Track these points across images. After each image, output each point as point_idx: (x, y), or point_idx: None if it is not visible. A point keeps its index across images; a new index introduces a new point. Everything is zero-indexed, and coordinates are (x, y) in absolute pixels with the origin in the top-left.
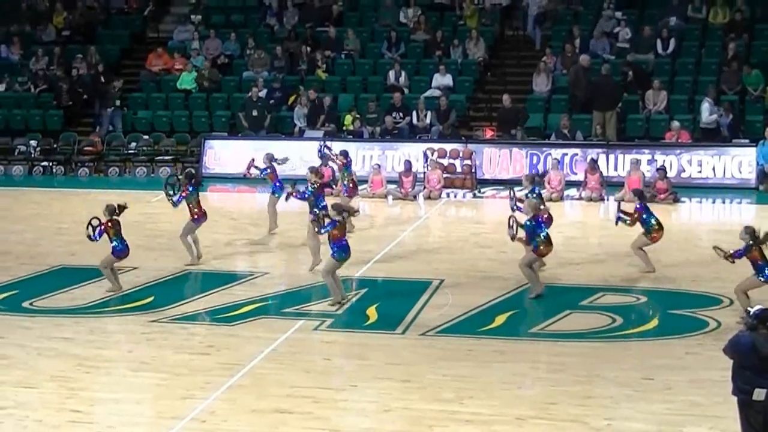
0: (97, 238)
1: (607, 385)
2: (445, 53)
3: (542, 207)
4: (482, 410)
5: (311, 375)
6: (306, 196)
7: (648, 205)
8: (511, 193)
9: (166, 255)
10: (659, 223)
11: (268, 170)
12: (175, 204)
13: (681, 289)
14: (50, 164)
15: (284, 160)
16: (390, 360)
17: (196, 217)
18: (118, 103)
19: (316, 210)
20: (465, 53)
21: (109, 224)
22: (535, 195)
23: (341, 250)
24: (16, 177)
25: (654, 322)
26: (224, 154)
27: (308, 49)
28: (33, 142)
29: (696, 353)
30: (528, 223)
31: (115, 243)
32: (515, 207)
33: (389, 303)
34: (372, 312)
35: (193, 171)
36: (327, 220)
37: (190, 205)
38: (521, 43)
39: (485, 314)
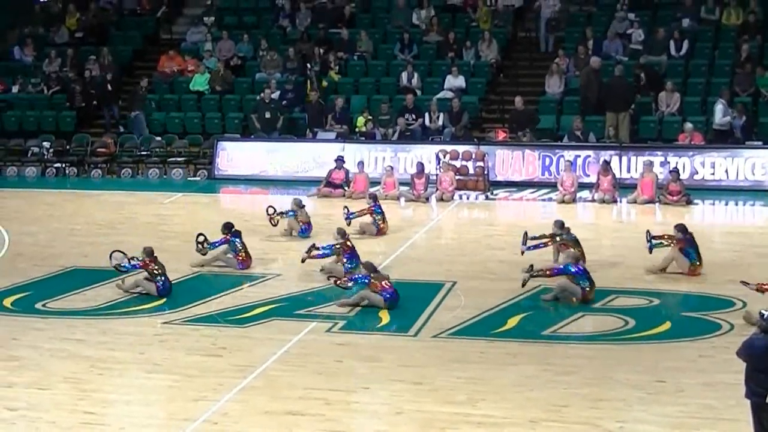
0: (127, 269)
1: (619, 387)
2: (457, 55)
3: (579, 252)
4: (494, 413)
5: (323, 377)
6: (326, 255)
7: (692, 238)
8: (524, 237)
9: (178, 257)
10: (700, 258)
11: (295, 213)
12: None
13: (694, 291)
14: (63, 165)
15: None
16: (402, 362)
17: (240, 260)
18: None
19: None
20: (477, 55)
21: (150, 263)
22: (570, 239)
23: (392, 300)
24: (29, 178)
25: (667, 325)
26: (237, 156)
27: (321, 50)
28: (46, 144)
29: (709, 356)
30: (571, 269)
31: (160, 283)
32: (528, 248)
33: (402, 305)
34: (384, 314)
35: (231, 223)
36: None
37: (235, 253)
38: (534, 45)
39: (498, 316)
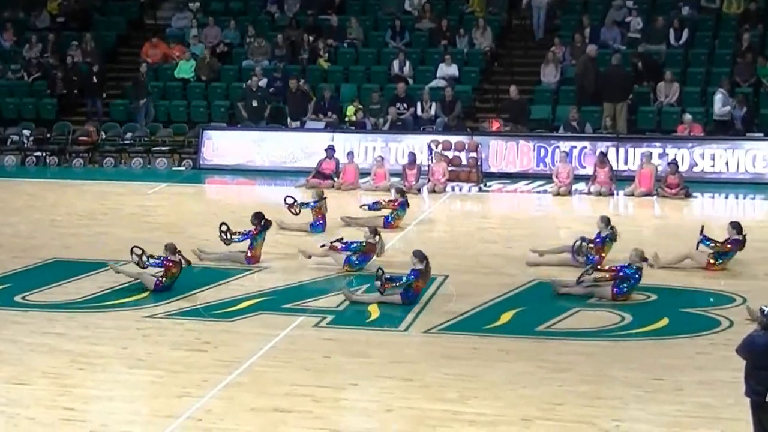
0: (146, 266)
1: (615, 385)
2: (450, 42)
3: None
4: (486, 410)
5: (311, 373)
6: (348, 250)
7: (744, 240)
8: (577, 243)
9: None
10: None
11: (317, 205)
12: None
13: (693, 286)
14: (44, 154)
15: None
16: (392, 358)
17: (250, 256)
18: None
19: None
20: (471, 42)
21: (172, 266)
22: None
23: (413, 297)
24: (9, 167)
25: (664, 321)
26: (223, 145)
27: (310, 37)
28: (26, 132)
29: (707, 353)
30: (629, 270)
31: (167, 283)
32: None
33: (387, 305)
34: (374, 308)
35: (262, 213)
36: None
37: (250, 248)
38: (529, 33)
39: (490, 311)
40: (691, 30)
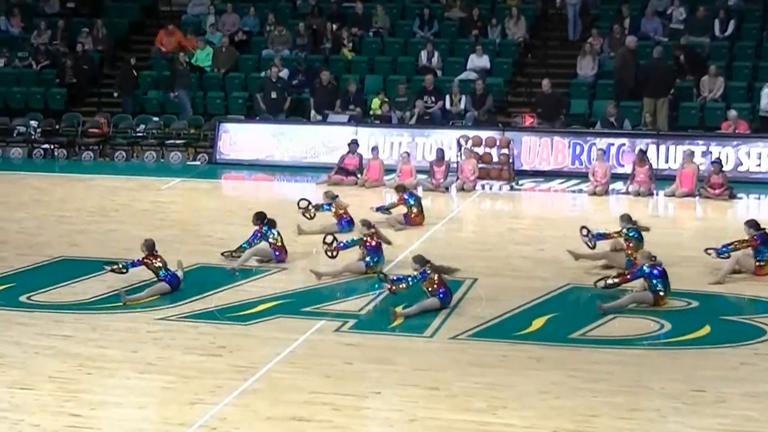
0: (126, 267)
1: (653, 396)
2: (482, 33)
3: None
4: (516, 422)
5: (331, 380)
6: (349, 246)
7: (765, 235)
8: (584, 230)
9: (176, 247)
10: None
11: (330, 207)
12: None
13: (736, 293)
14: (52, 147)
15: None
16: (417, 365)
17: (276, 252)
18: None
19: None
20: (504, 33)
21: (149, 260)
22: (634, 236)
23: (446, 298)
24: (15, 160)
25: (706, 329)
26: (240, 139)
27: (333, 26)
28: (33, 123)
29: (752, 364)
30: (646, 269)
31: (167, 277)
32: (592, 244)
33: (417, 303)
34: (399, 313)
35: (264, 213)
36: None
37: (271, 241)
38: (565, 23)
39: (521, 317)
40: (737, 21)
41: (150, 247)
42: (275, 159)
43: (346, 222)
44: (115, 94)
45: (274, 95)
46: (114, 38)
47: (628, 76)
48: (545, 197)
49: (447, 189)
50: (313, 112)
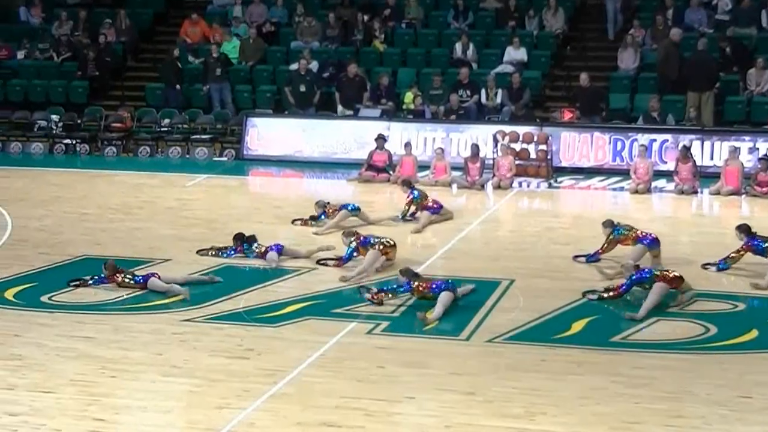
0: (95, 283)
1: (698, 403)
2: (518, 24)
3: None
4: (555, 428)
5: (363, 384)
6: (347, 260)
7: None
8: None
9: (203, 246)
10: None
11: (325, 217)
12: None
13: None
14: (73, 142)
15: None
16: (452, 369)
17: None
18: (219, 72)
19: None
20: (541, 24)
21: (114, 279)
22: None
23: (444, 286)
24: (35, 156)
25: (753, 333)
26: (268, 134)
27: (364, 16)
28: (54, 117)
29: None
30: (635, 277)
31: (138, 279)
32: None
33: (452, 305)
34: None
35: (243, 234)
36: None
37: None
38: (604, 15)
39: (560, 320)
40: None
41: (112, 268)
42: (304, 155)
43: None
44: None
45: (303, 89)
46: (138, 29)
47: (671, 69)
48: (585, 195)
49: (482, 187)
50: (340, 107)
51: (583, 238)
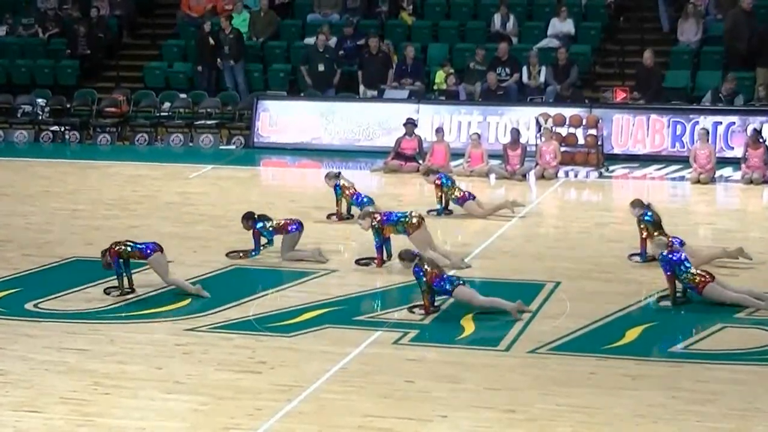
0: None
1: None
2: None
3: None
4: None
5: (389, 401)
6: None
7: None
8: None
9: (208, 245)
10: None
11: (340, 187)
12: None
13: None
14: (62, 129)
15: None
16: (490, 384)
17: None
18: (227, 51)
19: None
20: None
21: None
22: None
23: (450, 281)
24: (20, 144)
25: None
26: (282, 119)
27: None
28: (41, 101)
29: None
30: (663, 256)
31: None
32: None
33: (490, 311)
34: (468, 322)
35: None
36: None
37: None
38: None
39: (613, 327)
40: None
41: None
42: (323, 142)
43: (361, 199)
44: (199, 68)
45: (321, 67)
46: (134, 1)
47: (740, 41)
48: (640, 186)
49: (524, 177)
50: (362, 88)
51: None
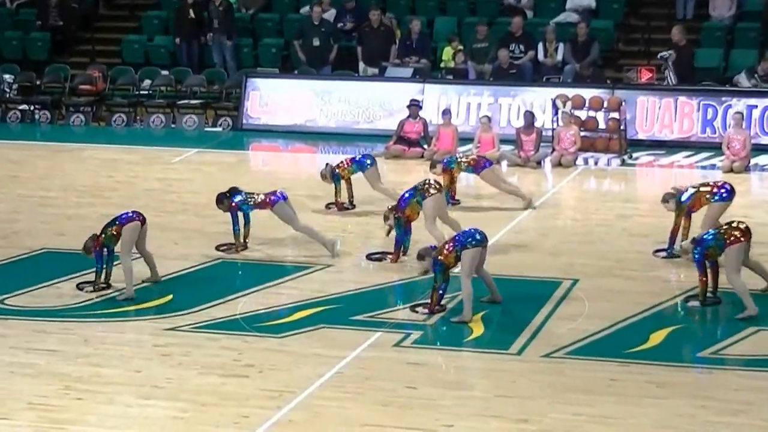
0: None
1: None
2: None
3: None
4: None
5: (390, 409)
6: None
7: None
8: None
9: (192, 237)
10: None
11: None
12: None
13: None
14: (32, 108)
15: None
16: (500, 391)
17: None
18: (217, 24)
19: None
20: None
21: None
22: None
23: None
24: None
25: None
26: (274, 99)
27: None
28: (8, 77)
29: None
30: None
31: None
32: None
33: (501, 311)
34: (476, 323)
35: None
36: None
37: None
38: None
39: (636, 330)
40: None
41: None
42: (318, 125)
43: (363, 160)
44: (177, 40)
45: (316, 42)
46: None
47: None
48: (667, 175)
49: (539, 164)
50: (362, 65)
51: (665, 228)
